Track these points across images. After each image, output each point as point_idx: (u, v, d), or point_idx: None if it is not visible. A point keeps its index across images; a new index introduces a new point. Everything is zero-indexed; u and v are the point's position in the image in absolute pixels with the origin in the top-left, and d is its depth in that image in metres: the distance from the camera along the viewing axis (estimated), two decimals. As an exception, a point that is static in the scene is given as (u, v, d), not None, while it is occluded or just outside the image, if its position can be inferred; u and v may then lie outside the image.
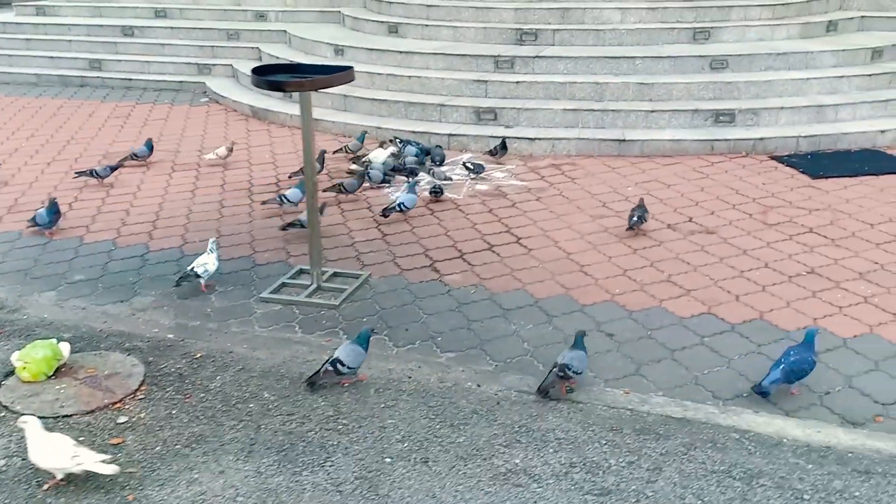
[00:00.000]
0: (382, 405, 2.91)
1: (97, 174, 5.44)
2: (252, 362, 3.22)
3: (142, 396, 2.97)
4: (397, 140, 6.06)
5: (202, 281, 3.83)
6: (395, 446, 2.67)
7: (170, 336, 3.45)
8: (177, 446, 2.67)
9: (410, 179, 5.40)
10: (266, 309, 3.70)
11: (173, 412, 2.86)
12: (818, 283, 3.86)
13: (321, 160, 5.48)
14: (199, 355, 3.26)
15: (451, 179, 5.44)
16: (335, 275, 4.01)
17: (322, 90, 7.06)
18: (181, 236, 4.56)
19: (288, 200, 4.79)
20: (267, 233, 4.59)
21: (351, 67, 3.54)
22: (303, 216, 4.46)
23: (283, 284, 3.88)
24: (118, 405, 2.90)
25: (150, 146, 5.93)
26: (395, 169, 5.56)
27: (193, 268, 3.80)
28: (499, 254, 4.28)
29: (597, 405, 2.93)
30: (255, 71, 3.42)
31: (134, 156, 5.88)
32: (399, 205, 4.73)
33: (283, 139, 6.60)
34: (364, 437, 2.71)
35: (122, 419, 2.81)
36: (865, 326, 3.44)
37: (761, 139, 5.99)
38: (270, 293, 3.79)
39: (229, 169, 5.80)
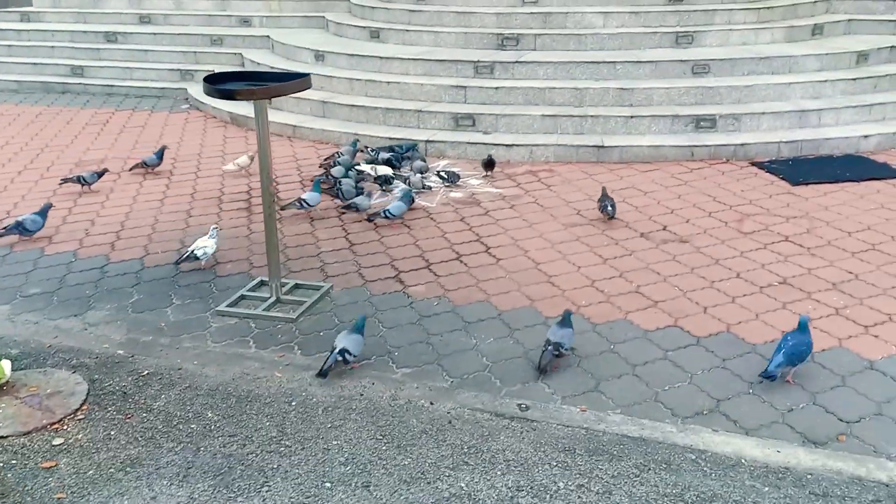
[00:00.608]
0: (329, 425, 2.81)
1: (84, 180, 5.39)
2: (200, 380, 3.13)
3: (82, 416, 2.88)
4: (368, 148, 5.99)
5: (202, 262, 4.11)
6: (337, 469, 2.58)
7: (119, 352, 3.36)
8: (111, 470, 2.58)
9: (385, 188, 5.35)
10: (222, 323, 3.61)
11: (112, 433, 2.77)
12: (789, 293, 3.76)
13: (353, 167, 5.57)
14: (145, 372, 3.17)
15: (429, 189, 5.32)
16: (297, 286, 3.93)
17: (291, 96, 7.07)
18: (143, 247, 4.47)
19: (307, 204, 4.81)
20: (231, 243, 4.50)
21: (307, 75, 3.45)
22: (358, 200, 4.86)
23: (242, 297, 3.80)
24: (56, 426, 2.81)
25: (160, 155, 5.80)
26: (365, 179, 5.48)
27: (193, 250, 4.07)
28: (466, 264, 4.19)
29: (551, 423, 2.84)
30: (207, 79, 3.34)
31: (144, 164, 5.76)
32: (385, 212, 4.67)
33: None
34: (306, 460, 2.62)
35: (57, 441, 2.72)
36: (834, 340, 3.34)
37: (742, 145, 5.89)
38: (227, 306, 3.69)
39: (201, 177, 5.73)
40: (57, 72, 9.21)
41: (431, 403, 2.96)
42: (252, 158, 5.73)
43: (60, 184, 5.48)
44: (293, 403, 2.95)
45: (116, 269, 4.21)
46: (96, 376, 3.16)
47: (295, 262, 4.27)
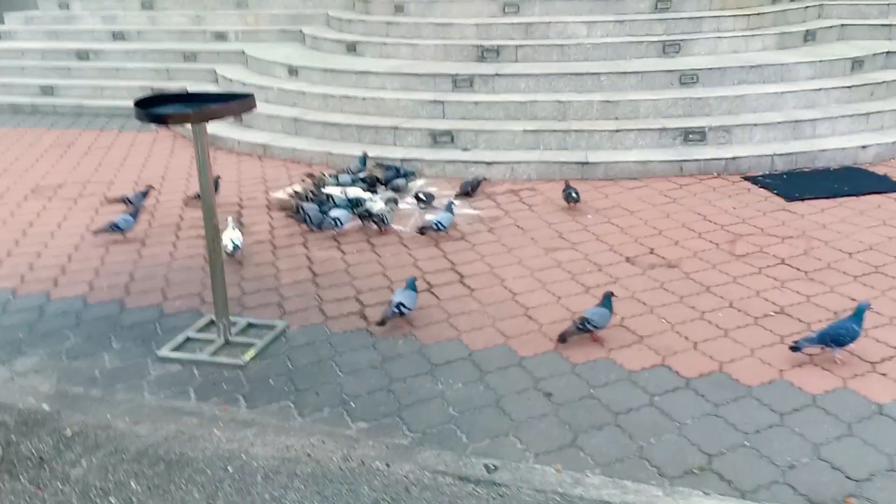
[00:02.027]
0: (267, 496, 2.47)
1: (129, 201, 5.15)
2: (129, 440, 2.79)
3: (-10, 488, 2.57)
4: (326, 175, 5.62)
5: (236, 254, 4.32)
6: (272, 552, 2.26)
7: (44, 407, 3.01)
8: (10, 557, 2.27)
9: (356, 211, 5.04)
10: (162, 370, 3.27)
11: (20, 509, 2.46)
12: (787, 325, 3.44)
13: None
14: (69, 432, 2.84)
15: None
16: (249, 326, 3.60)
17: (262, 113, 6.74)
18: (89, 282, 4.13)
19: (340, 223, 4.65)
20: (184, 276, 4.17)
21: (250, 96, 3.15)
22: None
23: (188, 339, 3.47)
24: (-42, 501, 2.49)
25: (216, 184, 5.33)
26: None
27: (226, 245, 4.26)
28: (437, 296, 3.87)
29: (522, 488, 2.50)
30: (139, 104, 3.03)
31: (198, 196, 5.29)
32: (436, 223, 4.52)
33: (227, 166, 6.20)
34: (236, 541, 2.30)
35: (-45, 520, 2.41)
36: (838, 379, 3.01)
37: (734, 158, 5.59)
38: (171, 350, 3.36)
39: (161, 202, 5.39)
40: (27, 92, 8.91)
41: (388, 465, 2.63)
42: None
43: (107, 203, 5.32)
44: (229, 469, 2.61)
45: (56, 308, 3.86)
46: (14, 437, 2.81)
47: (252, 296, 3.94)
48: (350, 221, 4.79)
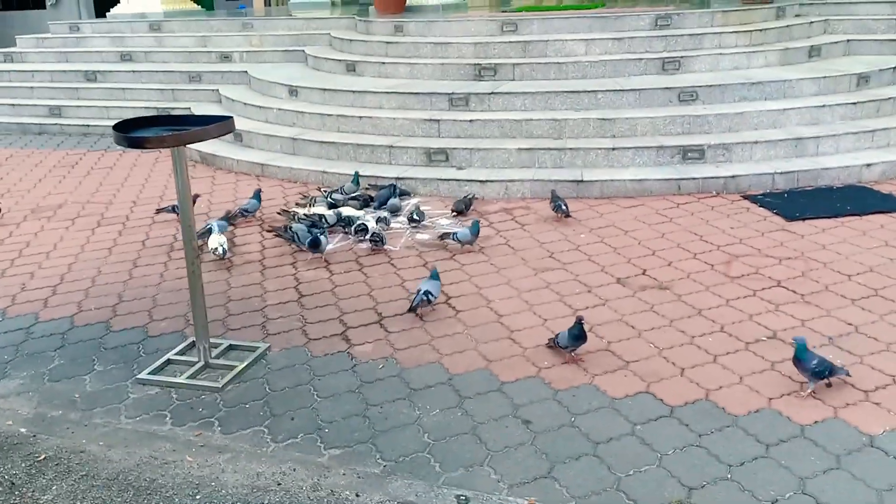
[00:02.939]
0: (232, 526, 2.45)
1: (177, 210, 5.15)
2: (101, 465, 2.76)
3: (-43, 515, 2.55)
4: (322, 190, 5.65)
5: (226, 257, 4.53)
6: (231, 586, 2.21)
7: (22, 430, 3.00)
8: (-32, 588, 2.24)
9: (349, 229, 5.03)
10: (141, 393, 3.24)
11: (-17, 537, 2.44)
12: (779, 351, 3.33)
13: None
14: (43, 456, 2.80)
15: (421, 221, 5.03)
16: (231, 348, 3.58)
17: (262, 133, 6.79)
18: (77, 304, 4.14)
19: (298, 238, 4.65)
20: (172, 297, 4.16)
21: (229, 118, 3.15)
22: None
23: (169, 361, 3.45)
24: (-77, 528, 2.48)
25: (258, 198, 5.34)
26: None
27: (215, 248, 4.49)
28: (422, 317, 3.82)
29: (493, 521, 2.45)
30: (118, 127, 3.05)
31: (245, 212, 5.22)
32: (453, 235, 4.63)
33: (225, 186, 6.23)
34: (196, 573, 2.25)
35: (-82, 549, 2.39)
36: (829, 409, 2.90)
37: (733, 177, 5.49)
38: (150, 373, 3.34)
39: (158, 222, 5.43)
40: (35, 113, 9.06)
41: (357, 495, 2.57)
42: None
43: (156, 213, 5.45)
44: (198, 497, 2.56)
45: (43, 329, 3.86)
46: (-14, 462, 2.82)
47: (236, 317, 3.91)
48: (308, 240, 4.57)
